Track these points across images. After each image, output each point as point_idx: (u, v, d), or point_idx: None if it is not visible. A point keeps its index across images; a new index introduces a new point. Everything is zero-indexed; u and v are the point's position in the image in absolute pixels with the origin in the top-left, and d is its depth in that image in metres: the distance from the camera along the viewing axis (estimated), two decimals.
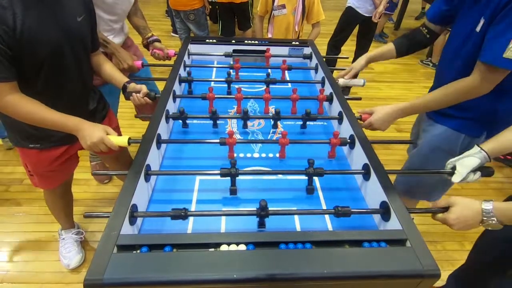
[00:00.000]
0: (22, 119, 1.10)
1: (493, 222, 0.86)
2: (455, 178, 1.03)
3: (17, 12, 0.99)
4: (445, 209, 0.92)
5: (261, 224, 0.92)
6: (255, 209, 0.90)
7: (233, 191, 1.06)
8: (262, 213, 0.89)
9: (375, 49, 1.58)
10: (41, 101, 1.11)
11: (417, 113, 1.28)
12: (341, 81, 1.59)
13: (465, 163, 1.02)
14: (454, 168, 1.05)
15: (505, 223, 0.86)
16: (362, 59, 1.55)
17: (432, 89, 1.45)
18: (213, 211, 0.96)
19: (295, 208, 1.02)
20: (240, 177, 1.14)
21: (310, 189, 1.08)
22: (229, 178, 1.04)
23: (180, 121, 1.36)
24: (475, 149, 1.03)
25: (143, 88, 1.36)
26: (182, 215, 0.88)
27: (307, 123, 1.41)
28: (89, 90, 1.39)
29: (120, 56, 1.58)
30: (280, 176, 1.16)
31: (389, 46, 1.51)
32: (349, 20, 3.22)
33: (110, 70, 1.39)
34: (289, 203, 1.06)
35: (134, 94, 1.36)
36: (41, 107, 1.10)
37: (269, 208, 0.90)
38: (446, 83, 1.19)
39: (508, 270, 1.26)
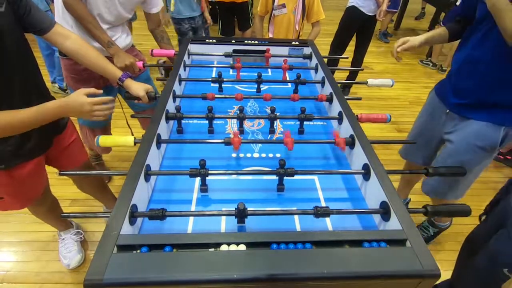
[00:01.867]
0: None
1: None
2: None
3: None
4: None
5: (241, 221, 0.93)
6: (233, 209, 0.90)
7: (203, 190, 1.08)
8: (240, 214, 0.89)
9: (425, 33, 1.52)
10: None
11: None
12: (370, 82, 1.59)
13: None
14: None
15: None
16: (421, 37, 1.49)
17: (453, 81, 1.39)
18: (213, 211, 0.96)
19: (295, 208, 1.02)
20: (241, 177, 1.14)
21: (280, 188, 1.09)
22: (199, 178, 1.06)
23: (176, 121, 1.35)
24: None
25: (142, 96, 1.34)
26: (159, 215, 0.88)
27: (307, 123, 1.41)
28: (38, 93, 1.21)
29: (120, 56, 1.58)
30: None
31: (442, 31, 1.46)
32: (352, 19, 3.23)
33: (96, 58, 1.28)
34: (290, 203, 1.06)
35: (136, 101, 1.36)
36: (10, 112, 0.99)
37: (264, 208, 0.91)
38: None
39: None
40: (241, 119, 1.33)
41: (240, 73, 1.70)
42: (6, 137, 1.09)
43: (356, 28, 3.30)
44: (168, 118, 1.31)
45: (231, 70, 1.82)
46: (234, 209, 0.90)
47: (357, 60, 3.49)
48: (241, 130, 1.36)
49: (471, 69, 1.31)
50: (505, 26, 1.11)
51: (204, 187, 1.07)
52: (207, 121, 1.35)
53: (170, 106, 1.37)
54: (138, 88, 1.34)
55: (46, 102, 1.07)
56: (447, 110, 1.44)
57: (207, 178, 1.06)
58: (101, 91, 1.12)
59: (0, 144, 1.13)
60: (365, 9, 3.12)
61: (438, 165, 1.49)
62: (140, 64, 1.64)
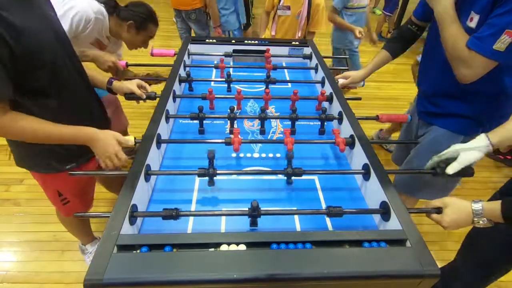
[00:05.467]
0: (21, 138, 1.00)
1: (484, 222, 0.88)
2: (449, 170, 1.00)
3: (17, 18, 0.88)
4: (438, 209, 0.93)
5: (253, 223, 0.93)
6: (247, 209, 0.90)
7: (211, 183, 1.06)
8: (254, 213, 0.89)
9: (371, 60, 1.61)
10: (52, 114, 1.03)
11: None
12: (341, 81, 1.60)
13: (469, 157, 0.99)
14: (450, 159, 1.02)
15: (494, 221, 0.88)
16: (361, 72, 1.60)
17: (419, 86, 1.45)
18: (210, 211, 0.96)
19: (295, 208, 1.02)
20: (241, 177, 1.14)
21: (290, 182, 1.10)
22: (198, 178, 1.08)
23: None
24: (484, 141, 0.98)
25: (134, 90, 1.33)
26: (173, 215, 0.88)
27: (306, 123, 1.41)
28: (93, 94, 1.29)
29: (103, 58, 1.56)
30: (280, 176, 1.16)
31: (383, 54, 1.56)
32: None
33: (90, 72, 1.29)
34: (290, 203, 1.06)
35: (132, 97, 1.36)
36: (42, 121, 0.99)
37: (262, 208, 0.90)
38: (437, 80, 1.22)
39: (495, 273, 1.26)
40: (231, 119, 1.32)
41: (240, 73, 1.70)
42: None
43: None
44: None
45: (231, 70, 1.82)
46: (247, 209, 0.90)
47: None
48: (231, 130, 1.35)
49: (429, 80, 1.35)
50: (444, 37, 1.12)
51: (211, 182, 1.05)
52: (207, 121, 1.35)
53: (170, 106, 1.37)
54: (129, 84, 1.33)
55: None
56: (418, 116, 1.49)
57: (207, 178, 1.05)
58: (132, 144, 1.13)
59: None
60: None
61: (405, 166, 1.52)
62: (123, 63, 1.63)
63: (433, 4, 1.14)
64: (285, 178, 1.11)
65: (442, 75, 1.26)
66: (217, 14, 2.93)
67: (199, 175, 1.03)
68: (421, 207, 0.98)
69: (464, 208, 0.90)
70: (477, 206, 0.89)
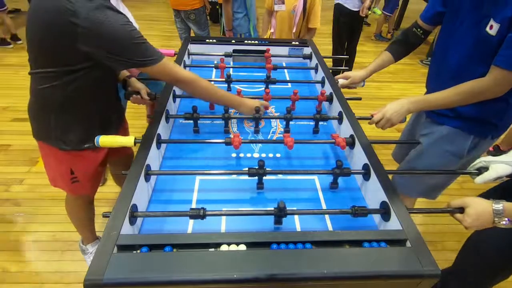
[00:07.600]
0: (198, 95, 1.24)
1: (505, 222, 0.87)
2: (479, 180, 1.04)
3: None
4: (460, 209, 0.93)
5: (278, 222, 0.94)
6: (273, 209, 0.90)
7: (260, 187, 1.09)
8: (280, 213, 0.90)
9: (373, 60, 1.60)
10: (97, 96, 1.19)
11: (428, 109, 1.29)
12: (341, 82, 1.60)
13: (499, 170, 1.02)
14: (482, 168, 1.06)
15: None
16: (361, 73, 1.58)
17: (428, 88, 1.45)
18: (221, 210, 0.95)
19: (295, 208, 1.02)
20: (241, 177, 1.14)
21: (334, 187, 1.11)
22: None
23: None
24: None
25: (142, 89, 1.37)
26: (200, 215, 0.87)
27: (303, 123, 1.41)
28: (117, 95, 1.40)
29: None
30: (280, 176, 1.16)
31: (385, 55, 1.55)
32: (339, 16, 3.35)
33: None
34: (290, 203, 1.05)
35: (134, 95, 1.38)
36: (214, 86, 1.24)
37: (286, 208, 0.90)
38: (450, 83, 1.20)
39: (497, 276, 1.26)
40: (226, 119, 1.32)
41: (240, 73, 1.71)
42: (98, 117, 1.25)
43: (345, 24, 3.38)
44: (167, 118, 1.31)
45: (231, 70, 1.82)
46: (273, 208, 0.90)
47: (349, 57, 3.53)
48: (226, 130, 1.35)
49: (441, 84, 1.32)
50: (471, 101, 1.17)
51: (261, 185, 1.08)
52: (207, 121, 1.35)
53: (170, 106, 1.37)
54: (141, 86, 1.41)
55: None
56: (425, 115, 1.48)
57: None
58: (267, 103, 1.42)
59: (105, 122, 1.26)
60: (349, 5, 3.25)
61: (406, 165, 1.52)
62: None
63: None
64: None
65: (455, 79, 1.23)
66: (230, 17, 2.84)
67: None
68: (444, 207, 0.98)
69: (485, 208, 0.89)
70: (498, 206, 0.88)
